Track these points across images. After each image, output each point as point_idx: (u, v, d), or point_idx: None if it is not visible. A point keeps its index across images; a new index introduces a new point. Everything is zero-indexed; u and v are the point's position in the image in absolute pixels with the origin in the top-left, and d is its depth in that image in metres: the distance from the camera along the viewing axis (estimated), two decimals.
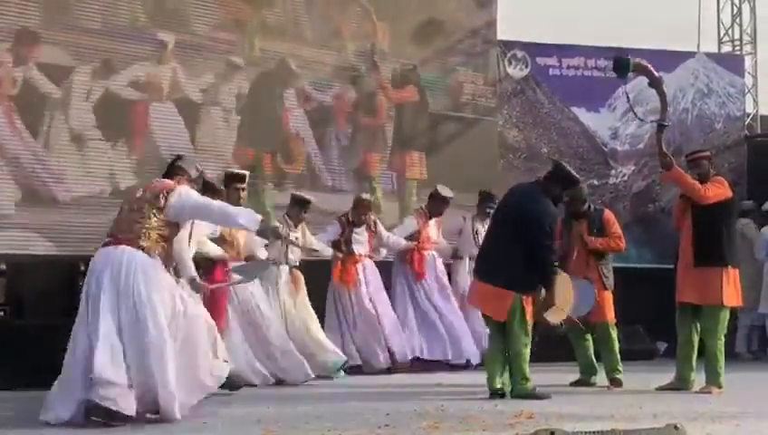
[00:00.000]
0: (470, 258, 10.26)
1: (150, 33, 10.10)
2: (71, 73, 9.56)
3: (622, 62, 8.04)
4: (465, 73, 12.43)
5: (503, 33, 12.80)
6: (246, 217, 6.35)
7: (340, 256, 9.78)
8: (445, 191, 10.42)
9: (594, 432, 3.24)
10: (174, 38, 10.22)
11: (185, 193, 6.25)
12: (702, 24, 14.02)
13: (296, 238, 9.17)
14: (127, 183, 9.65)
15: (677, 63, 13.44)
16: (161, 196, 6.18)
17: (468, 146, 12.14)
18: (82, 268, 8.89)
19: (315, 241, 9.55)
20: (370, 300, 9.80)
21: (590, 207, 8.67)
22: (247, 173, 8.64)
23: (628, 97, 8.42)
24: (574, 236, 8.48)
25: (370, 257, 10.04)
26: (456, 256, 10.67)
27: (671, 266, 8.30)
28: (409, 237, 10.28)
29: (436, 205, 10.45)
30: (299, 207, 9.35)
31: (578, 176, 7.83)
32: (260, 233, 6.63)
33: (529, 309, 7.50)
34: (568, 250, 8.42)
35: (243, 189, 8.36)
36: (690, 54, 13.64)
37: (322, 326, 9.38)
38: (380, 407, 6.70)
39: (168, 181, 6.36)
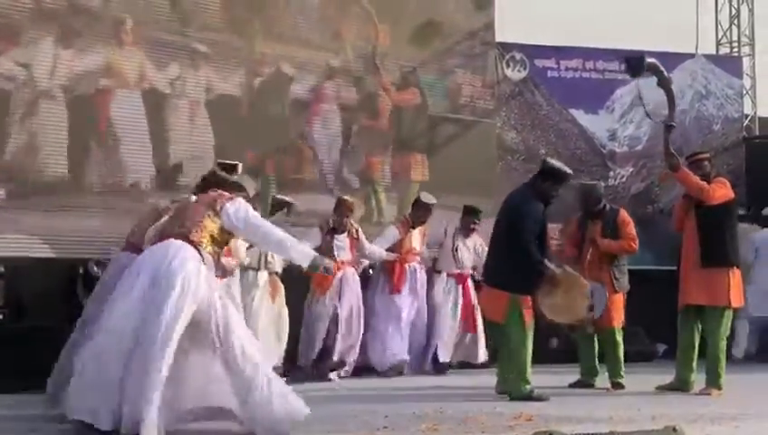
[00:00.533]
0: (448, 275, 10.13)
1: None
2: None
3: (636, 62, 8.04)
4: (463, 75, 12.43)
5: (501, 36, 12.81)
6: (300, 253, 6.09)
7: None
8: (427, 198, 9.98)
9: (593, 434, 3.24)
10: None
11: (245, 206, 5.97)
12: (700, 25, 14.03)
13: None
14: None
15: (676, 65, 13.42)
16: (219, 202, 5.92)
17: (467, 148, 12.15)
18: (81, 271, 8.93)
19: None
20: (335, 313, 9.31)
21: (605, 206, 8.63)
22: (294, 202, 8.70)
23: (641, 97, 8.38)
24: (588, 237, 8.46)
25: (353, 266, 9.61)
26: (434, 270, 10.22)
27: (671, 268, 8.30)
28: (391, 248, 9.80)
29: (419, 213, 9.95)
30: (282, 210, 9.04)
31: (567, 169, 7.76)
32: (311, 268, 6.32)
33: (527, 311, 7.51)
34: (582, 250, 8.42)
35: (288, 214, 8.50)
36: (688, 56, 13.64)
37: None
38: (379, 409, 6.70)
39: (221, 193, 6.05)
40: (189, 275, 5.55)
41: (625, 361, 8.49)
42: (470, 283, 10.23)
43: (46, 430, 5.97)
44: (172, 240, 5.75)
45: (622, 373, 8.39)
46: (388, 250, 9.76)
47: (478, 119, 12.48)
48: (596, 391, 8.29)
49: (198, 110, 10.41)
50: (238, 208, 5.91)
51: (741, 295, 8.01)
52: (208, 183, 6.49)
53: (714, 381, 7.86)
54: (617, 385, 8.33)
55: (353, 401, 7.46)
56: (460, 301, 10.13)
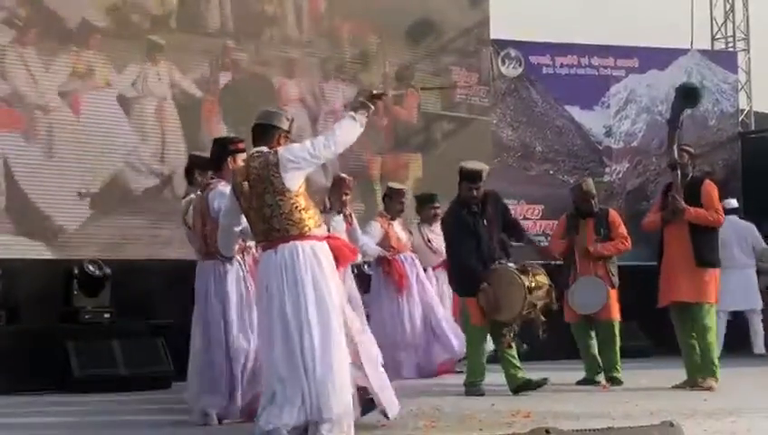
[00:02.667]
0: (433, 269, 10.01)
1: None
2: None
3: (695, 92, 8.15)
4: (458, 73, 12.42)
5: (496, 33, 12.80)
6: (354, 121, 5.65)
7: None
8: (395, 185, 9.99)
9: (591, 430, 3.24)
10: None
11: (291, 155, 5.49)
12: (695, 21, 14.03)
13: None
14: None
15: (671, 61, 13.45)
16: (272, 177, 5.46)
17: (462, 145, 12.12)
18: (76, 272, 8.91)
19: None
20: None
21: (595, 205, 8.63)
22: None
23: (682, 123, 8.37)
24: (581, 235, 8.46)
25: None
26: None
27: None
28: (379, 245, 9.59)
29: (392, 202, 9.79)
30: None
31: (472, 166, 7.77)
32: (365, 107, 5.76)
33: (472, 311, 7.69)
34: (570, 247, 8.43)
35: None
36: (683, 51, 13.65)
37: None
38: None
39: (263, 154, 5.57)
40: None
41: (621, 356, 8.49)
42: None
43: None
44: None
45: (619, 368, 8.41)
46: (378, 245, 9.61)
47: (474, 116, 12.48)
48: (593, 388, 8.29)
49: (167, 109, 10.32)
50: (288, 158, 5.48)
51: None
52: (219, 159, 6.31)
53: (709, 372, 7.88)
54: (614, 380, 8.34)
55: None
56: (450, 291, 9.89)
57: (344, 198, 9.10)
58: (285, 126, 5.69)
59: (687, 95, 8.18)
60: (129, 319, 9.08)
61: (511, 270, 7.55)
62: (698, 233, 7.90)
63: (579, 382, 8.46)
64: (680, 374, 8.11)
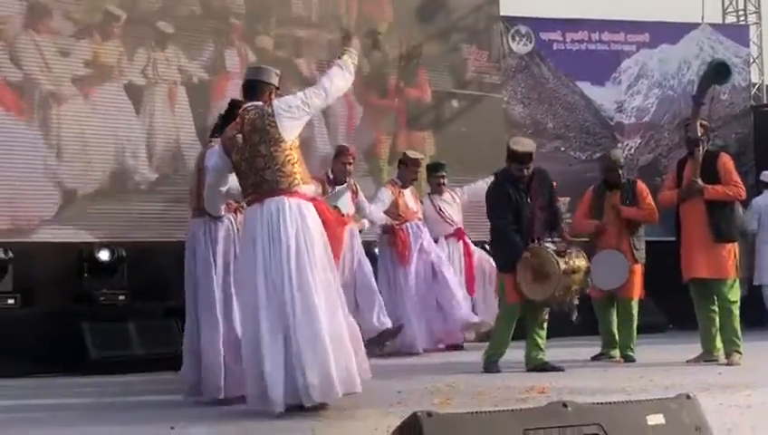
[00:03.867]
0: (445, 237, 10.04)
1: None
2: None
3: (725, 69, 8.08)
4: (468, 50, 12.38)
5: (505, 9, 12.74)
6: (348, 59, 5.82)
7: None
8: (413, 153, 9.95)
9: (607, 403, 3.24)
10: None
11: (285, 105, 5.62)
12: None
13: None
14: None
15: (682, 35, 13.39)
16: (268, 127, 5.56)
17: (474, 123, 12.11)
18: (90, 255, 8.94)
19: None
20: (352, 269, 9.13)
21: (622, 175, 8.58)
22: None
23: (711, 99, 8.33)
24: (607, 207, 8.42)
25: (355, 220, 9.35)
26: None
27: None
28: (388, 212, 9.62)
29: (408, 170, 9.80)
30: None
31: (516, 147, 7.66)
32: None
33: (507, 288, 7.61)
34: (602, 223, 8.39)
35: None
36: (694, 25, 13.57)
37: None
38: (391, 385, 6.71)
39: (257, 107, 5.67)
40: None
41: (637, 332, 8.48)
42: (467, 238, 10.19)
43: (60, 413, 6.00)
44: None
45: (633, 346, 8.38)
46: (386, 212, 9.64)
47: (485, 94, 12.44)
48: (607, 363, 8.29)
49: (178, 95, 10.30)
50: (283, 110, 5.60)
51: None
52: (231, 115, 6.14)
53: (733, 348, 7.86)
54: (627, 357, 8.33)
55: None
56: (463, 259, 10.02)
57: (347, 167, 9.17)
58: (276, 81, 5.85)
59: (717, 71, 8.09)
60: (143, 301, 9.11)
61: (548, 251, 7.41)
62: (715, 208, 7.86)
63: (593, 358, 8.46)
64: (695, 349, 8.10)
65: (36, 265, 9.02)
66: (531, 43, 12.82)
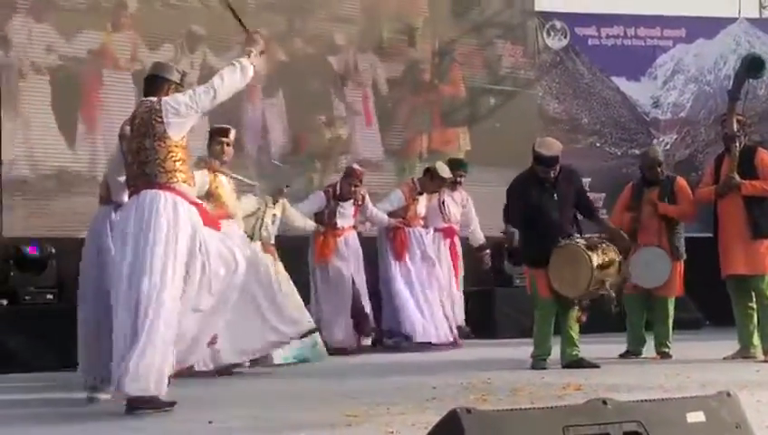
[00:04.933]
0: (435, 230, 10.01)
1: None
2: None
3: (760, 63, 8.05)
4: (503, 46, 12.37)
5: (540, 4, 12.71)
6: (238, 68, 5.75)
7: (322, 229, 9.32)
8: (444, 171, 9.77)
9: (647, 401, 3.23)
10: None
11: (173, 102, 5.66)
12: None
13: (273, 215, 8.64)
14: None
15: (718, 30, 13.29)
16: (154, 122, 5.61)
17: (508, 119, 12.10)
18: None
19: (299, 217, 9.04)
20: (352, 277, 9.32)
21: (662, 172, 8.53)
22: (232, 129, 7.89)
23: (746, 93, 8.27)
24: (645, 203, 8.39)
25: (354, 228, 9.55)
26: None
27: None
28: (395, 213, 9.68)
29: (432, 184, 9.80)
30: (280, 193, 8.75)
31: (541, 151, 7.61)
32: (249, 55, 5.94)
33: (539, 283, 7.59)
34: (638, 217, 8.35)
35: (227, 144, 7.65)
36: (731, 20, 13.47)
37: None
38: (426, 381, 6.73)
39: (149, 102, 5.73)
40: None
41: (672, 328, 8.44)
42: (457, 239, 10.20)
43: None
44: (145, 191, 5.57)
45: (669, 343, 8.34)
46: (391, 214, 9.67)
47: (519, 89, 12.43)
48: (643, 360, 8.26)
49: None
50: (171, 108, 5.62)
51: None
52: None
53: None
54: (663, 354, 8.29)
55: (400, 373, 7.50)
56: (448, 255, 10.04)
57: (354, 188, 9.37)
58: (175, 78, 5.88)
59: (752, 66, 8.04)
60: None
61: (579, 246, 7.39)
62: (753, 204, 7.82)
63: (621, 355, 8.41)
64: (732, 346, 8.06)
65: (77, 262, 9.08)
66: (566, 38, 12.79)
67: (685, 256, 8.39)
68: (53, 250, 8.86)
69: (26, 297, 8.71)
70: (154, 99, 5.70)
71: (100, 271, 6.20)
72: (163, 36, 10.12)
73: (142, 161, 5.61)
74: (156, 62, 6.43)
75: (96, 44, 9.76)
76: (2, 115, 9.20)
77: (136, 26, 9.98)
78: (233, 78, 5.73)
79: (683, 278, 8.45)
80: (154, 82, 5.83)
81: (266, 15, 10.62)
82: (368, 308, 9.43)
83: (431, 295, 9.66)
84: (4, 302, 8.67)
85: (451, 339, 9.64)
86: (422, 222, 9.92)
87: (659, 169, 8.46)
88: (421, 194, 9.86)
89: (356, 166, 9.64)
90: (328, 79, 11.19)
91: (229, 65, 5.80)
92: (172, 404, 5.48)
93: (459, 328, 9.98)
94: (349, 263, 9.37)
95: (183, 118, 5.64)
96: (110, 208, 6.35)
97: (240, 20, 6.08)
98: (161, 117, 5.58)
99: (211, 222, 5.86)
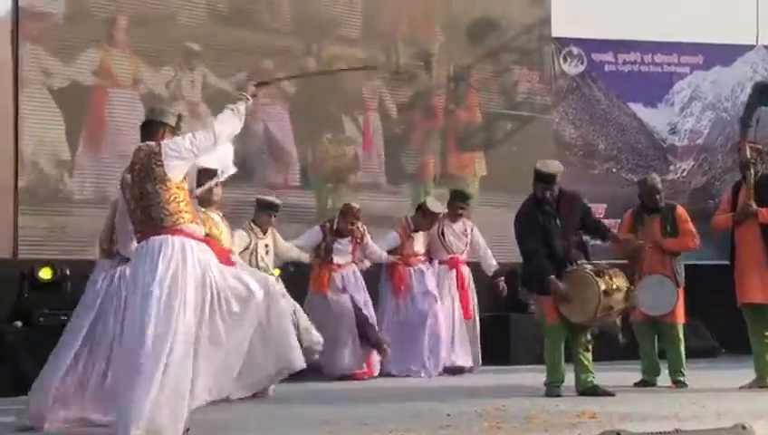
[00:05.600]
0: (439, 262, 9.94)
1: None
2: None
3: None
4: (519, 71, 12.39)
5: (557, 30, 12.72)
6: (232, 114, 5.72)
7: (319, 262, 9.35)
8: (434, 206, 9.74)
9: (660, 433, 3.20)
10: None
11: (173, 145, 5.61)
12: (760, 15, 13.81)
13: (266, 246, 8.65)
14: None
15: (736, 57, 13.28)
16: (154, 165, 5.56)
17: (524, 144, 12.09)
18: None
19: (291, 248, 9.03)
20: (354, 305, 9.30)
21: (661, 201, 8.51)
22: (279, 202, 8.50)
23: (758, 120, 8.28)
24: (646, 232, 8.37)
25: (354, 264, 9.56)
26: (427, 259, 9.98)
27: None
28: (393, 252, 9.68)
29: (424, 220, 9.77)
30: (266, 211, 8.71)
31: (544, 168, 7.63)
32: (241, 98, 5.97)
33: (547, 310, 7.57)
34: (639, 246, 8.33)
35: (274, 216, 8.27)
36: (749, 47, 13.45)
37: None
38: (440, 407, 6.70)
39: (147, 146, 5.67)
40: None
41: (687, 357, 8.39)
42: (464, 268, 10.06)
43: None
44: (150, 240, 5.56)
45: (683, 371, 8.28)
46: (389, 253, 9.67)
47: (536, 115, 12.43)
48: (658, 389, 8.21)
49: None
50: (171, 151, 5.57)
51: None
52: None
53: None
54: (678, 383, 8.24)
55: (414, 399, 7.48)
56: (454, 286, 9.93)
57: (350, 226, 9.33)
58: (171, 121, 5.82)
59: (763, 93, 8.05)
60: None
61: (586, 272, 7.38)
62: None
63: (636, 384, 8.36)
64: (748, 375, 8.00)
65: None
66: (582, 64, 12.79)
67: (683, 284, 8.36)
68: (68, 272, 8.86)
69: (40, 319, 8.70)
70: (152, 143, 5.67)
71: (98, 315, 6.33)
72: (162, 56, 10.19)
73: (146, 206, 5.58)
74: (151, 107, 6.42)
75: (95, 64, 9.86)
76: (20, 139, 9.29)
77: (132, 44, 10.06)
78: (232, 123, 5.73)
79: (691, 305, 8.42)
80: (151, 127, 5.79)
81: (283, 39, 10.69)
82: (376, 331, 9.38)
83: (422, 331, 9.57)
84: (19, 323, 8.70)
85: (438, 372, 9.54)
86: (422, 258, 9.86)
87: (658, 197, 8.44)
88: (416, 231, 9.81)
89: (353, 204, 9.59)
90: (341, 102, 11.22)
91: (227, 110, 5.75)
92: None
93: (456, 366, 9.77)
94: (346, 295, 9.32)
95: (183, 160, 5.61)
96: (114, 262, 6.44)
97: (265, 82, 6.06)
98: (161, 160, 5.54)
99: (224, 258, 5.85)
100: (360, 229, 9.40)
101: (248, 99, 5.81)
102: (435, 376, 9.47)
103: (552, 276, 7.42)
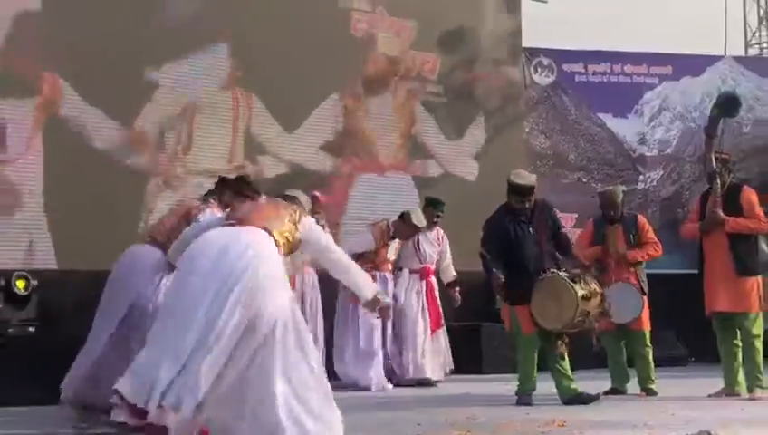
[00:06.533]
0: (411, 272, 9.69)
1: None
2: None
3: (733, 101, 8.13)
4: (490, 81, 12.42)
5: (528, 41, 12.78)
6: (367, 282, 5.61)
7: None
8: (419, 220, 9.34)
9: None
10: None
11: (315, 224, 5.56)
12: (728, 27, 13.95)
13: None
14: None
15: (705, 67, 13.40)
16: (297, 211, 5.39)
17: (495, 153, 12.12)
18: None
19: None
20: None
21: (622, 213, 8.59)
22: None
23: (723, 131, 8.33)
24: (610, 242, 8.42)
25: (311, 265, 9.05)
26: (396, 268, 9.66)
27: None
28: (363, 255, 9.00)
29: (405, 230, 9.38)
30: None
31: (516, 179, 7.63)
32: (370, 303, 5.83)
33: (521, 319, 7.58)
34: (603, 256, 8.37)
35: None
36: (717, 58, 13.59)
37: None
38: (411, 417, 6.69)
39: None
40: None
41: (656, 365, 8.44)
42: (433, 278, 9.85)
43: None
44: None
45: (653, 378, 8.34)
46: (359, 257, 8.71)
47: (506, 125, 12.46)
48: (628, 397, 8.24)
49: None
50: (312, 223, 5.51)
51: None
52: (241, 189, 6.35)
53: (755, 383, 7.81)
54: (648, 391, 8.28)
55: (384, 409, 7.46)
56: (424, 298, 9.68)
57: (315, 216, 8.96)
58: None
59: (725, 104, 8.13)
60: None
61: (562, 278, 7.40)
62: (738, 241, 7.84)
63: (606, 392, 8.38)
64: (717, 383, 8.04)
65: (59, 294, 9.04)
66: (553, 74, 12.86)
67: (647, 291, 8.41)
68: (36, 283, 8.80)
69: (9, 330, 8.64)
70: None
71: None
72: None
73: None
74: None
75: None
76: None
77: None
78: (364, 282, 5.57)
79: (662, 314, 8.47)
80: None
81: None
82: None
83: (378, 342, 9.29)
84: None
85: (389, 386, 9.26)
86: (390, 266, 9.58)
87: (617, 210, 8.49)
88: (394, 238, 9.48)
89: (317, 193, 9.35)
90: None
91: (369, 283, 5.64)
92: None
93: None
94: (304, 304, 8.97)
95: (309, 244, 5.47)
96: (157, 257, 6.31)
97: None
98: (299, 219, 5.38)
99: None
100: (326, 227, 8.88)
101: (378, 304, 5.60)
102: (392, 388, 9.25)
103: (495, 270, 7.41)
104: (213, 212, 6.28)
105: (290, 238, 5.26)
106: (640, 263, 8.45)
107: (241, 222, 5.17)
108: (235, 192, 6.44)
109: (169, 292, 5.19)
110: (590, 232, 8.61)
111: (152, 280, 6.31)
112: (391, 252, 9.56)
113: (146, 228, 6.69)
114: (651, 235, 8.51)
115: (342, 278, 5.66)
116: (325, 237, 5.54)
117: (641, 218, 8.69)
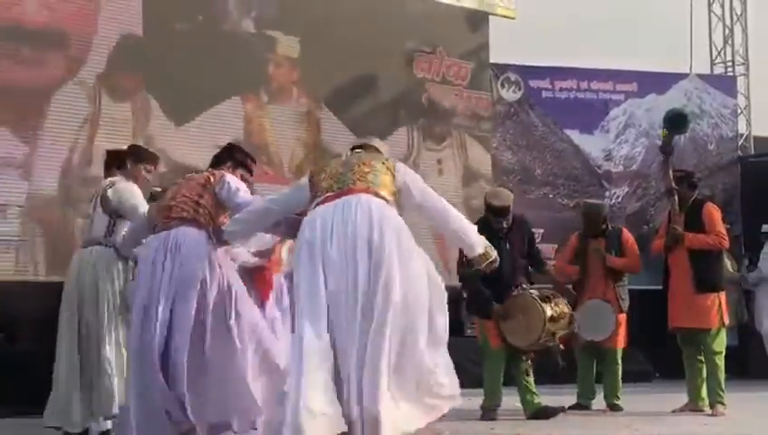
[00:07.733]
0: None
1: None
2: None
3: (681, 119, 8.23)
4: (458, 96, 12.42)
5: (495, 56, 12.81)
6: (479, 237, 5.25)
7: None
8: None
9: None
10: None
11: (235, 180, 5.60)
12: (694, 44, 14.06)
13: None
14: None
15: (670, 85, 13.49)
16: (387, 159, 5.16)
17: (462, 168, 12.13)
18: None
19: None
20: None
21: (607, 226, 8.60)
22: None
23: (673, 147, 8.40)
24: (591, 255, 8.43)
25: None
26: None
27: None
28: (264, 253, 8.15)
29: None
30: None
31: (493, 201, 7.70)
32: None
33: (489, 333, 7.61)
34: (584, 269, 8.38)
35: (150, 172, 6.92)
36: (683, 76, 13.68)
37: None
38: None
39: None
40: None
41: (621, 381, 8.45)
42: None
43: None
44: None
45: (619, 395, 8.34)
46: (258, 254, 7.94)
47: (473, 139, 12.46)
48: (594, 412, 8.25)
49: None
50: (406, 166, 5.23)
51: (727, 314, 8.06)
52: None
53: (717, 399, 7.84)
54: (614, 407, 8.29)
55: None
56: None
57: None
58: None
59: (674, 122, 8.22)
60: None
61: (532, 297, 7.41)
62: (698, 258, 7.88)
63: (571, 407, 8.38)
64: (681, 399, 8.08)
65: (21, 304, 8.94)
66: (520, 90, 12.89)
67: (626, 308, 8.43)
68: None
69: None
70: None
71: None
72: None
73: None
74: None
75: None
76: None
77: None
78: (472, 232, 5.23)
79: (626, 330, 8.48)
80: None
81: None
82: None
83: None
84: None
85: None
86: (284, 268, 8.44)
87: (599, 225, 8.51)
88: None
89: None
90: None
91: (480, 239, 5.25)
92: None
93: None
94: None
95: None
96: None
97: None
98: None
99: None
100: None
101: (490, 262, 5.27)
102: None
103: (497, 306, 7.46)
104: (233, 178, 5.83)
105: (395, 192, 4.99)
106: (620, 279, 8.46)
107: (347, 190, 4.87)
108: (237, 162, 6.09)
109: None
110: (573, 246, 8.62)
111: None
112: (283, 255, 8.43)
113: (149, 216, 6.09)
114: (634, 249, 8.47)
115: (446, 229, 5.27)
116: (422, 181, 5.18)
117: (626, 232, 8.64)
